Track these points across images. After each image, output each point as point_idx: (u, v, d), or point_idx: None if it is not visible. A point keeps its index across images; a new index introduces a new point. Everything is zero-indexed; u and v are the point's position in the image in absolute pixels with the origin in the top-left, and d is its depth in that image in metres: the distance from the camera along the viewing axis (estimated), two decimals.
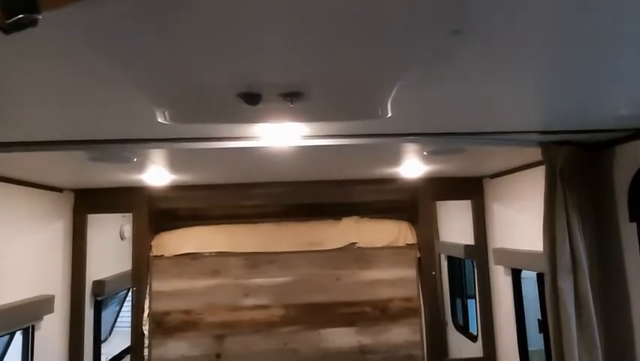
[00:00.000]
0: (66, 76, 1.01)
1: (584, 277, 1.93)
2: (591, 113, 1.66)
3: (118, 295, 4.76)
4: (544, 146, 2.04)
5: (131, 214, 3.44)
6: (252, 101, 0.90)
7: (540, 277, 2.62)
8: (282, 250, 3.39)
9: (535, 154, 2.48)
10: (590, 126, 1.83)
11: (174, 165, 2.51)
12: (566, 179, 2.00)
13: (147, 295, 3.29)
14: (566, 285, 1.94)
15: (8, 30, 0.45)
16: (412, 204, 3.52)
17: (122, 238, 4.23)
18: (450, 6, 0.67)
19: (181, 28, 0.66)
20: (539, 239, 2.61)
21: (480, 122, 1.73)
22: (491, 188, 3.38)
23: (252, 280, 3.35)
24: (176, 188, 3.17)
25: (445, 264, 4.45)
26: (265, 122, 1.22)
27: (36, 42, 0.78)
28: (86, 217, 3.29)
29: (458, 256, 3.85)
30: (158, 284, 3.30)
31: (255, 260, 3.37)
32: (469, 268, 4.02)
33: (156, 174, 2.68)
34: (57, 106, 1.36)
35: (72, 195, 3.24)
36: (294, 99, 0.91)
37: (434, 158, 2.41)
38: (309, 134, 1.72)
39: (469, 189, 3.42)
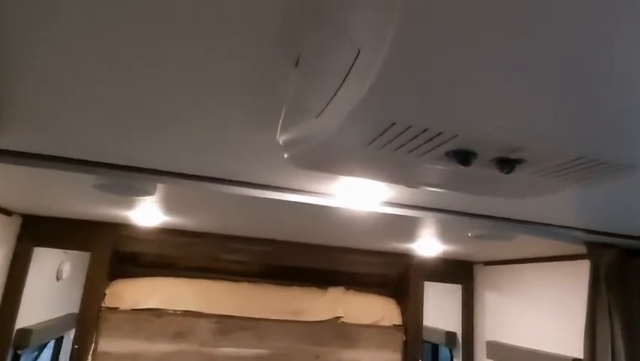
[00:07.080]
0: None
1: None
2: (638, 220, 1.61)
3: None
4: (590, 245, 1.96)
5: (75, 252, 2.90)
6: (464, 161, 0.67)
7: None
8: (259, 316, 2.99)
9: (542, 249, 2.43)
10: (636, 233, 1.78)
11: (172, 206, 2.13)
12: (611, 283, 1.91)
13: (89, 358, 2.70)
14: None
15: None
16: (400, 281, 3.32)
17: (59, 278, 3.56)
18: None
19: None
20: (543, 338, 2.48)
21: (528, 210, 1.64)
22: (483, 275, 3.28)
23: (220, 350, 2.89)
24: (147, 229, 2.72)
25: None
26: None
27: None
28: (32, 250, 2.70)
29: (436, 342, 3.64)
30: (107, 344, 2.73)
31: (226, 325, 2.93)
32: (445, 356, 3.80)
33: (146, 213, 2.27)
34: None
35: (20, 220, 2.68)
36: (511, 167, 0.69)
37: (452, 239, 2.26)
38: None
39: (461, 273, 3.29)
